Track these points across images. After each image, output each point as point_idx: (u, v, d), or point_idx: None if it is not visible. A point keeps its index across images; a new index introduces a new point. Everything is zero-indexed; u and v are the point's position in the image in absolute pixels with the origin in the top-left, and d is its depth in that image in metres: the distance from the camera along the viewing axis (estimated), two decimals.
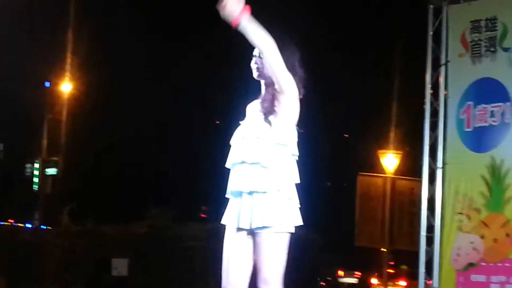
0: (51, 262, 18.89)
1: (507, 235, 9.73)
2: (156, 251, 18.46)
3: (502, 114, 9.87)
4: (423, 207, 10.69)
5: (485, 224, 9.96)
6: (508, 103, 9.82)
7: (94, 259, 18.73)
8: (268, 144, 4.72)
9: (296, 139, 4.82)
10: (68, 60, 28.68)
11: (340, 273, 33.16)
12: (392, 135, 26.53)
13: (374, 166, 23.88)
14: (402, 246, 20.56)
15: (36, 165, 28.76)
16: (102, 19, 28.24)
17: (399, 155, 23.66)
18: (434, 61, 10.74)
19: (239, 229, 4.76)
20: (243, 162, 4.73)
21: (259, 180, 4.68)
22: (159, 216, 19.47)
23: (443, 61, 10.60)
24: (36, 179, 28.72)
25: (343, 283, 32.62)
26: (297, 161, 4.83)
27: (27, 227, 26.86)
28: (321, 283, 26.93)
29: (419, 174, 11.11)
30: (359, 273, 33.43)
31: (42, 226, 26.41)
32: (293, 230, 4.74)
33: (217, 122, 34.02)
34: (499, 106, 9.91)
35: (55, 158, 28.48)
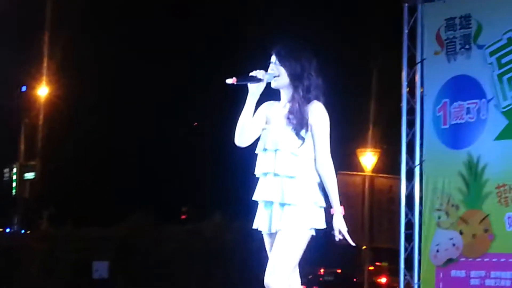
0: (31, 266, 18.79)
1: (486, 230, 9.79)
2: (136, 253, 18.45)
3: (478, 111, 9.93)
4: (402, 204, 10.76)
5: (464, 220, 10.01)
6: (483, 100, 9.88)
7: (74, 262, 18.67)
8: (303, 159, 4.92)
9: None
10: (45, 64, 28.57)
11: (321, 270, 33.20)
12: (370, 133, 26.60)
13: (352, 164, 23.91)
14: (382, 243, 20.65)
15: (14, 170, 28.66)
16: (79, 22, 28.15)
17: (377, 153, 23.76)
18: (410, 59, 10.78)
19: (271, 234, 4.97)
20: (276, 174, 4.90)
21: (292, 193, 4.90)
22: (139, 218, 19.47)
23: (418, 59, 10.65)
24: (14, 184, 28.60)
25: (324, 280, 32.67)
26: None
27: (6, 232, 26.77)
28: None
29: (397, 172, 11.17)
30: (339, 271, 33.48)
31: (21, 231, 26.32)
32: (313, 233, 5.03)
33: (195, 123, 34.01)
34: (475, 103, 9.97)
35: (32, 163, 28.35)
